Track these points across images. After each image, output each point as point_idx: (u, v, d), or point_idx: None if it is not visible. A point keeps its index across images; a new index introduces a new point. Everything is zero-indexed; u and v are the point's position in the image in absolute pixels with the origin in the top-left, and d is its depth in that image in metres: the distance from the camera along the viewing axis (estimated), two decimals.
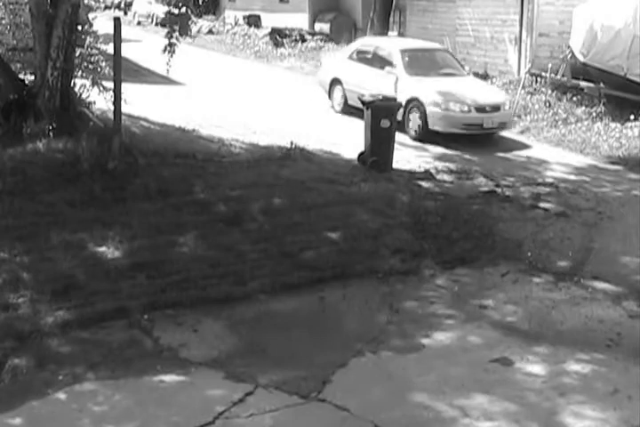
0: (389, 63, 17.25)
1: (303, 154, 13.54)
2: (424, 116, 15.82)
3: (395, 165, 13.30)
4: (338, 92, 18.49)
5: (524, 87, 19.09)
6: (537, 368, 7.11)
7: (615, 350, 7.51)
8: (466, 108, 15.70)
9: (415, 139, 15.94)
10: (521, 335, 7.74)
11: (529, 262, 9.60)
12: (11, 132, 11.93)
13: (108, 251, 8.96)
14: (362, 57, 18.38)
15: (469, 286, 8.90)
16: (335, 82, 18.60)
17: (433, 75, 17.07)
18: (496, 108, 16.00)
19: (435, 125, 15.79)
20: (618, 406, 6.52)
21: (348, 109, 17.68)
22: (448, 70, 17.64)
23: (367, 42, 19.60)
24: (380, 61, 17.65)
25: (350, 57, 18.76)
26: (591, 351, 7.44)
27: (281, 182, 11.66)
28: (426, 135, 15.82)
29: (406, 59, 17.23)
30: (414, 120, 16.08)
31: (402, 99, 15.02)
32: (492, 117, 15.88)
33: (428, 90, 16.09)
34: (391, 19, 26.80)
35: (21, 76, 13.39)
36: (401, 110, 14.96)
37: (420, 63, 17.48)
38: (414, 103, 16.00)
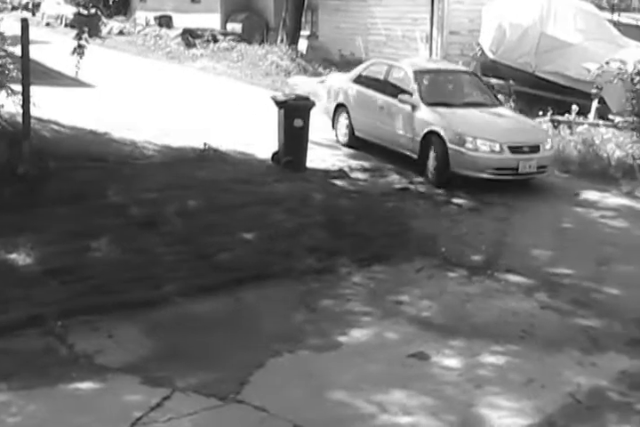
0: (403, 89, 14.10)
1: (217, 155, 13.50)
2: (445, 156, 12.70)
3: (309, 164, 13.34)
4: (343, 120, 15.57)
5: None
6: (453, 362, 7.22)
7: (529, 341, 7.69)
8: (497, 148, 12.63)
9: (433, 183, 12.92)
10: (437, 330, 7.86)
11: (443, 258, 9.74)
12: None
13: (20, 257, 8.77)
14: (371, 80, 15.24)
15: (385, 283, 8.99)
16: (340, 108, 15.68)
17: (457, 104, 13.95)
18: (535, 148, 12.89)
19: (457, 168, 12.66)
20: (532, 395, 6.68)
21: (356, 142, 15.20)
22: (476, 99, 14.69)
23: (378, 62, 16.38)
24: (392, 87, 14.50)
25: (358, 80, 15.61)
26: (506, 343, 7.59)
27: (195, 184, 11.60)
28: (446, 180, 12.81)
29: (424, 83, 14.14)
30: (432, 160, 13.00)
31: (418, 133, 13.18)
32: (529, 160, 12.72)
33: (449, 123, 12.99)
34: (303, 18, 26.88)
35: None
36: (417, 147, 13.25)
37: (441, 89, 14.58)
38: (433, 139, 12.96)
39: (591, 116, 16.41)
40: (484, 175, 12.52)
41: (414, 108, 13.49)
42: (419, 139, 13.14)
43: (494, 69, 19.55)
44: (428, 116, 13.25)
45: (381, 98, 14.41)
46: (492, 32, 19.78)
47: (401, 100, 13.75)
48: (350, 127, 15.21)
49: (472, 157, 12.50)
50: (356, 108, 15.18)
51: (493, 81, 19.15)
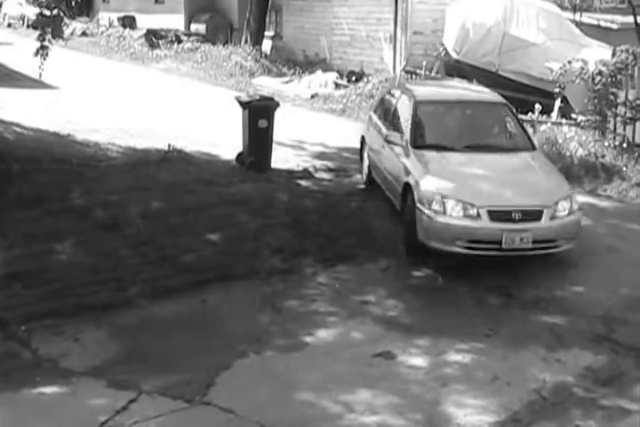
0: (396, 126, 11.29)
1: (181, 156, 13.46)
2: (412, 221, 9.55)
3: (273, 165, 13.31)
4: (364, 155, 12.83)
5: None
6: (419, 360, 7.25)
7: (494, 339, 7.72)
8: (473, 212, 9.18)
9: (409, 254, 9.76)
10: (402, 329, 7.87)
11: (407, 257, 9.74)
12: None
13: None
14: (384, 110, 12.46)
15: (350, 283, 8.99)
16: (362, 141, 13.09)
17: (460, 147, 10.50)
18: (534, 214, 9.25)
19: (424, 237, 9.37)
20: (497, 392, 6.72)
21: (371, 184, 12.37)
22: (493, 140, 11.16)
23: (400, 85, 14.12)
24: (396, 120, 11.56)
25: (376, 108, 13.08)
26: (471, 341, 7.62)
27: (159, 185, 11.56)
28: (415, 252, 9.67)
29: (424, 118, 11.05)
30: (404, 224, 10.00)
31: (400, 184, 10.24)
32: (521, 231, 9.12)
33: (424, 174, 9.79)
34: (267, 19, 26.86)
35: None
36: (399, 201, 10.31)
37: (446, 127, 11.24)
38: (408, 195, 9.89)
39: (554, 115, 16.54)
40: (456, 249, 9.17)
41: (403, 150, 10.52)
42: (399, 191, 10.29)
43: (458, 69, 19.65)
44: (409, 163, 10.20)
45: (385, 133, 11.40)
46: (455, 32, 19.88)
47: (388, 140, 10.89)
48: (367, 164, 12.60)
49: (439, 224, 9.18)
50: (369, 143, 12.65)
51: None
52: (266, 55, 25.86)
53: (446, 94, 12.33)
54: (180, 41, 28.95)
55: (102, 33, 33.42)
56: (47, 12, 13.13)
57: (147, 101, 19.43)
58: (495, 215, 9.11)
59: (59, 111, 17.13)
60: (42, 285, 8.28)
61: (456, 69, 19.68)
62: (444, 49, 20.13)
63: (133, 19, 33.99)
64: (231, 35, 29.25)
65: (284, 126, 14.35)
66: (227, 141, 14.56)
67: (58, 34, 13.14)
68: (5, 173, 11.11)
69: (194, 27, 30.77)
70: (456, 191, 9.38)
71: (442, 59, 20.15)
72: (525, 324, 8.12)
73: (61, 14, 13.26)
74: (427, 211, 9.25)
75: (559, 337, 7.80)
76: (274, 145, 13.45)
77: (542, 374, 7.05)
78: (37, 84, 17.81)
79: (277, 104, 13.49)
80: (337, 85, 21.83)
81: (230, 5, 30.29)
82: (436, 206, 9.23)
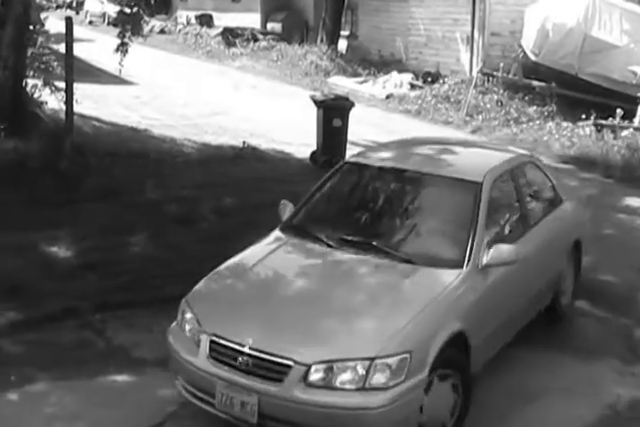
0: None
1: (255, 153, 13.57)
2: None
3: None
4: None
5: (475, 87, 19.23)
6: None
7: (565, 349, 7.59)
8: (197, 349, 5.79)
9: None
10: None
11: None
12: None
13: (59, 251, 8.90)
14: None
15: None
16: None
17: (335, 242, 6.63)
18: (276, 367, 5.41)
19: None
20: (571, 404, 6.60)
21: None
22: (406, 243, 6.63)
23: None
24: None
25: None
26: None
27: (232, 182, 11.67)
28: None
29: (330, 186, 7.50)
30: None
31: None
32: (241, 393, 5.46)
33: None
34: (343, 18, 26.89)
35: None
36: None
37: (360, 205, 7.29)
38: None
39: (636, 120, 16.18)
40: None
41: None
42: None
43: (536, 71, 19.40)
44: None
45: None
46: (534, 33, 19.56)
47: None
48: None
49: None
50: None
51: (535, 83, 19.04)
52: (341, 55, 25.90)
53: (401, 159, 7.64)
54: (255, 39, 29.16)
55: (180, 31, 33.83)
56: (127, 10, 13.39)
57: (221, 99, 19.62)
58: (216, 354, 5.66)
59: (136, 106, 17.42)
60: (116, 276, 8.42)
61: (534, 72, 19.44)
62: (522, 50, 19.86)
63: (210, 17, 34.33)
64: (307, 34, 29.35)
65: (359, 126, 14.34)
66: (301, 140, 14.62)
67: (137, 31, 13.37)
68: (83, 166, 11.32)
69: (270, 25, 30.96)
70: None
71: (520, 61, 19.90)
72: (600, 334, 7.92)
73: (141, 12, 13.50)
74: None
75: (633, 349, 7.59)
76: (348, 145, 13.47)
77: (617, 388, 6.84)
78: (116, 79, 18.12)
79: (352, 104, 13.51)
80: (412, 86, 21.76)
81: (306, 4, 30.40)
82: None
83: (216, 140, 14.52)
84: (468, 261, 6.23)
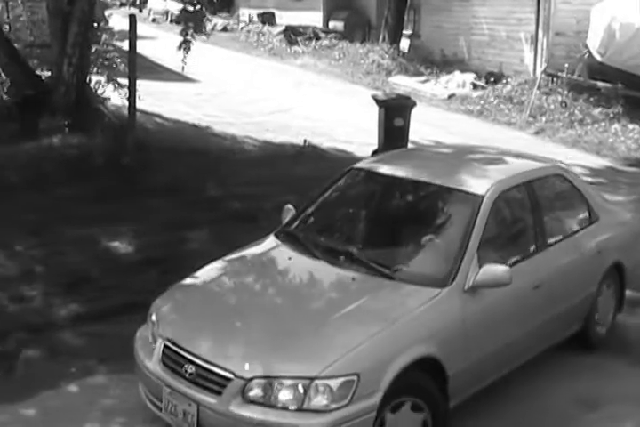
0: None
1: (316, 152, 13.56)
2: None
3: None
4: None
5: (539, 87, 18.98)
6: None
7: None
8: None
9: None
10: None
11: None
12: (26, 128, 12.02)
13: (121, 246, 9.01)
14: None
15: None
16: None
17: (320, 252, 6.33)
18: (218, 379, 5.19)
19: None
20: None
21: None
22: (388, 257, 6.23)
23: None
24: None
25: None
26: None
27: (293, 180, 11.66)
28: None
29: (334, 192, 7.47)
30: None
31: None
32: (179, 399, 5.34)
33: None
34: (406, 17, 26.77)
35: (38, 72, 13.48)
36: None
37: (355, 214, 7.36)
38: None
39: None
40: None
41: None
42: None
43: (602, 72, 19.06)
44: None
45: None
46: (600, 33, 19.22)
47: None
48: None
49: None
50: None
51: (600, 84, 18.73)
52: (403, 54, 25.77)
53: (407, 168, 7.03)
54: (317, 38, 29.17)
55: (242, 29, 33.97)
56: (190, 8, 13.48)
57: (282, 97, 19.66)
58: (167, 359, 5.54)
59: (198, 103, 17.53)
60: (176, 271, 8.43)
61: (600, 73, 19.10)
62: (588, 51, 19.54)
63: (272, 15, 34.42)
64: (369, 33, 29.27)
65: (420, 126, 14.26)
66: (362, 139, 14.58)
67: (200, 29, 13.45)
68: (145, 162, 11.43)
69: (332, 24, 30.95)
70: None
71: (585, 61, 19.57)
72: None
73: (203, 10, 13.58)
74: None
75: None
76: (409, 144, 13.39)
77: None
78: (179, 76, 18.26)
79: (414, 103, 13.42)
80: (474, 86, 21.57)
81: (368, 3, 30.32)
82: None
83: (277, 139, 14.55)
84: (452, 280, 5.71)
